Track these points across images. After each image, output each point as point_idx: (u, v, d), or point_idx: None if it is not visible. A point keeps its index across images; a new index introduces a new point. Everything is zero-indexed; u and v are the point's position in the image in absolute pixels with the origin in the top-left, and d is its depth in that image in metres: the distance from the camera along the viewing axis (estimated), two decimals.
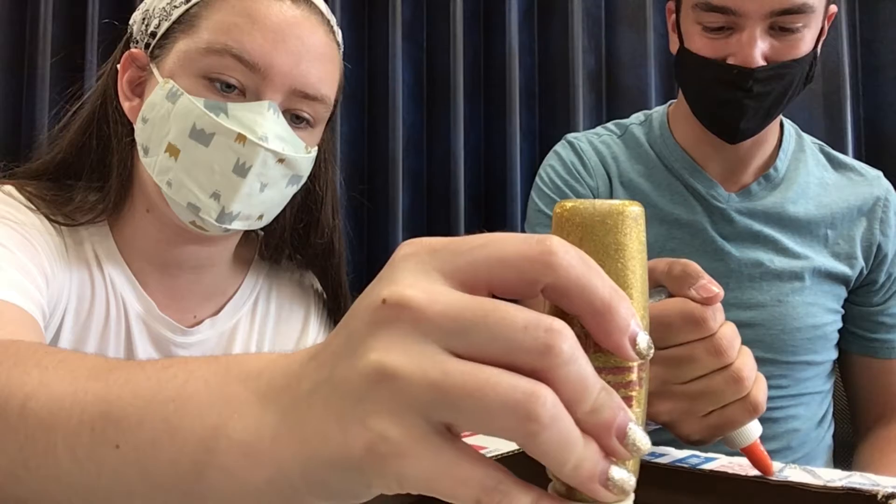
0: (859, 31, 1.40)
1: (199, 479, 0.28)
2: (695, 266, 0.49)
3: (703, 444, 0.52)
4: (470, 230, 1.47)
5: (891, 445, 1.00)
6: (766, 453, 0.51)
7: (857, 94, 1.39)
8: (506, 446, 0.57)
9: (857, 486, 0.45)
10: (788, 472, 0.50)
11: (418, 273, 0.26)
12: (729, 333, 0.49)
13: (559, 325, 0.25)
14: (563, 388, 0.25)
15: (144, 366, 0.34)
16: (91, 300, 0.74)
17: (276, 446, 0.27)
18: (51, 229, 0.73)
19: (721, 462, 0.55)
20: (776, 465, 0.52)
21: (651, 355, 0.28)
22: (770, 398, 0.96)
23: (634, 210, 0.29)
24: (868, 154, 1.38)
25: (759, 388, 0.50)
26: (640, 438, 0.26)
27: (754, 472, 0.50)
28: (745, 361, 0.49)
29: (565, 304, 0.27)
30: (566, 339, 0.25)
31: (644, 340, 0.27)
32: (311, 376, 0.27)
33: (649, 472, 0.56)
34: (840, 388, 1.11)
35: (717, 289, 0.48)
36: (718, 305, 0.48)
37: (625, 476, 0.26)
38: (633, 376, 0.28)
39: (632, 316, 0.27)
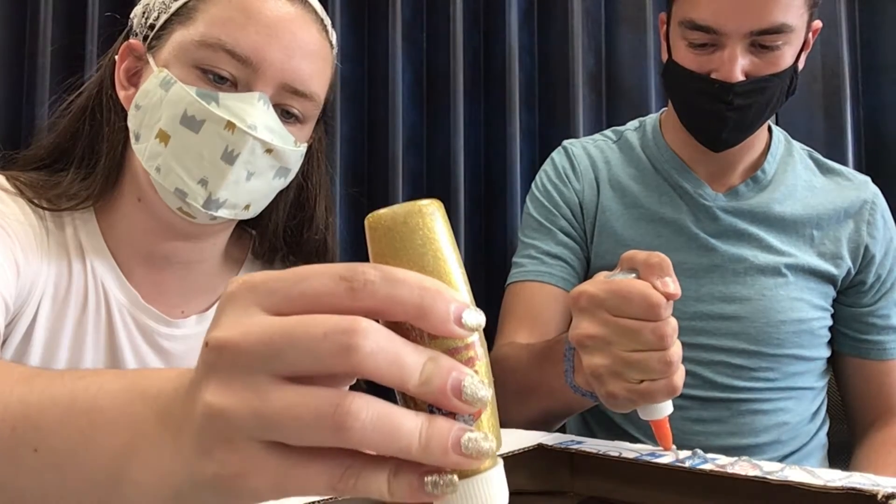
0: (859, 31, 1.40)
1: (115, 488, 0.31)
2: (669, 263, 0.59)
3: (619, 408, 0.61)
4: (470, 230, 1.47)
5: (886, 447, 1.00)
6: (670, 430, 0.61)
7: (857, 94, 1.39)
8: (510, 446, 0.57)
9: (857, 486, 0.45)
10: (788, 472, 0.50)
11: (238, 311, 0.28)
12: (673, 324, 0.58)
13: (361, 324, 0.26)
14: (381, 378, 0.27)
15: (63, 375, 0.36)
16: (67, 287, 0.75)
17: (174, 466, 0.30)
18: (32, 217, 0.73)
19: (721, 462, 0.55)
20: (776, 465, 0.52)
21: (483, 323, 0.29)
22: (758, 390, 0.99)
23: (430, 207, 0.31)
24: (868, 154, 1.38)
25: (679, 376, 0.59)
26: (478, 389, 0.27)
27: (754, 472, 0.50)
28: (677, 351, 0.58)
29: (388, 318, 0.29)
30: (367, 335, 0.26)
31: (471, 316, 0.28)
32: (182, 408, 0.30)
33: (649, 472, 0.56)
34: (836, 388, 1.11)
35: (674, 288, 0.57)
36: (672, 302, 0.58)
37: (478, 437, 0.27)
38: (472, 352, 0.30)
39: (451, 301, 0.28)
